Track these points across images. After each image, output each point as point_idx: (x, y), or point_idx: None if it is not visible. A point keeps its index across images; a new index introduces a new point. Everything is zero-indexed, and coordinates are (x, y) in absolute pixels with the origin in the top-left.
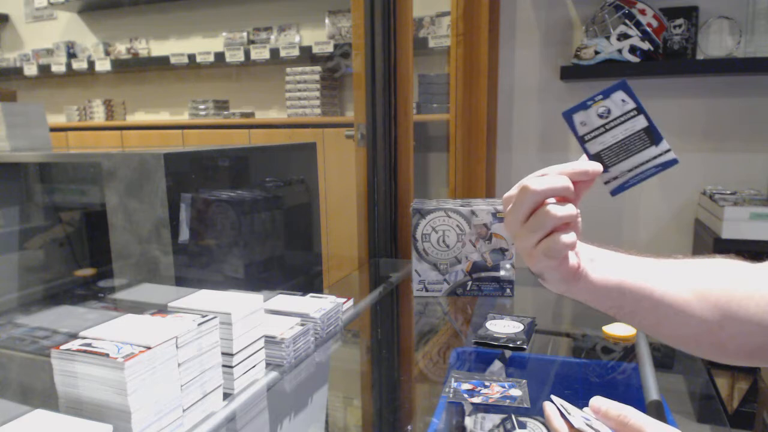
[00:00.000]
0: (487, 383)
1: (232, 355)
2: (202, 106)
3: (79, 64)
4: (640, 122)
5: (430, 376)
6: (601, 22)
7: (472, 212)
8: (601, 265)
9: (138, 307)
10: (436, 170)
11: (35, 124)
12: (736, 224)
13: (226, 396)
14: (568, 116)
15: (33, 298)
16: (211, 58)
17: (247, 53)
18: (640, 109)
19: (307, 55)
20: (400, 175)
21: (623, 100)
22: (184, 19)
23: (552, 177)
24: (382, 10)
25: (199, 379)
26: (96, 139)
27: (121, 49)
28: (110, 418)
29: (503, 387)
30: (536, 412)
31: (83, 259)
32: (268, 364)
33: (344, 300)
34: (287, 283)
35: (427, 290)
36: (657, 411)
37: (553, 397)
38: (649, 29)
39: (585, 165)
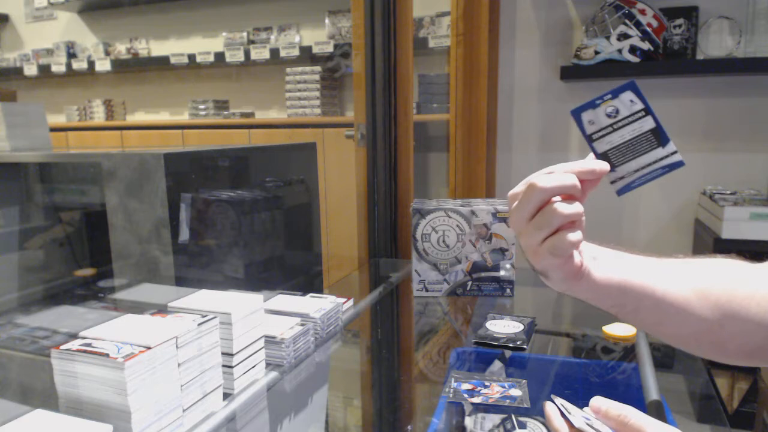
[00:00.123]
0: (487, 383)
1: (232, 355)
2: (202, 106)
3: (79, 64)
4: (648, 123)
5: (430, 376)
6: (601, 22)
7: (472, 212)
8: (603, 263)
9: (138, 307)
10: (436, 170)
11: (35, 124)
12: (736, 224)
13: (226, 396)
14: (576, 115)
15: (33, 298)
16: (211, 58)
17: (247, 53)
18: (648, 110)
19: (307, 55)
20: (400, 175)
21: (632, 101)
22: (184, 19)
23: (560, 175)
24: (382, 10)
25: (199, 379)
26: (96, 139)
27: (121, 49)
28: (110, 418)
29: (503, 387)
30: (536, 412)
31: (83, 259)
32: (268, 364)
33: (344, 300)
34: (287, 283)
35: (427, 290)
36: (657, 411)
37: (553, 396)
38: (649, 29)
39: (592, 164)
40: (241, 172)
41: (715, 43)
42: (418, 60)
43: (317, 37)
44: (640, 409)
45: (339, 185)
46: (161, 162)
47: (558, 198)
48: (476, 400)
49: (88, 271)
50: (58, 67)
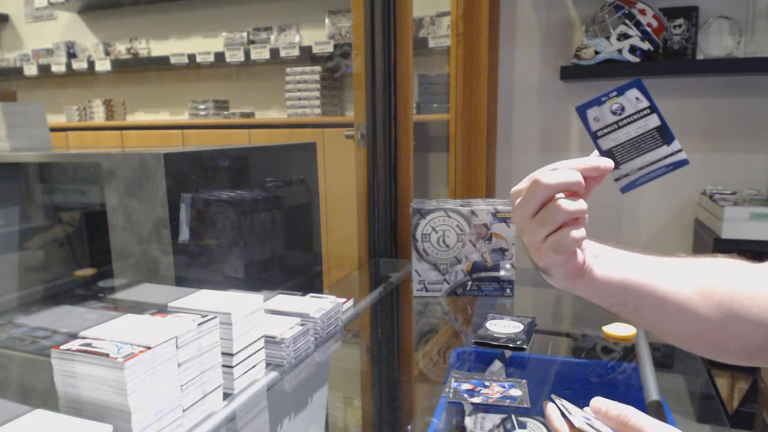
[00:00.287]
0: (487, 383)
1: (232, 355)
2: (202, 106)
3: (79, 64)
4: (653, 121)
5: (430, 376)
6: (601, 22)
7: (472, 212)
8: (605, 261)
9: (138, 307)
10: (436, 170)
11: (35, 124)
12: (736, 224)
13: (226, 396)
14: (582, 111)
15: (33, 298)
16: (211, 58)
17: (247, 53)
18: (653, 108)
19: (307, 55)
20: (400, 175)
21: (637, 98)
22: (184, 19)
23: (564, 171)
24: (382, 10)
25: (199, 379)
26: (96, 139)
27: (121, 49)
28: (110, 418)
29: (503, 387)
30: (536, 412)
31: (83, 259)
32: (268, 364)
33: (344, 300)
34: (287, 283)
35: (427, 290)
36: (657, 411)
37: (553, 396)
38: (649, 29)
39: (597, 160)
40: (241, 172)
41: (715, 43)
42: (418, 60)
43: (317, 37)
44: (640, 409)
45: (339, 185)
46: (161, 162)
47: (561, 195)
48: (476, 400)
49: (88, 271)
50: (58, 67)
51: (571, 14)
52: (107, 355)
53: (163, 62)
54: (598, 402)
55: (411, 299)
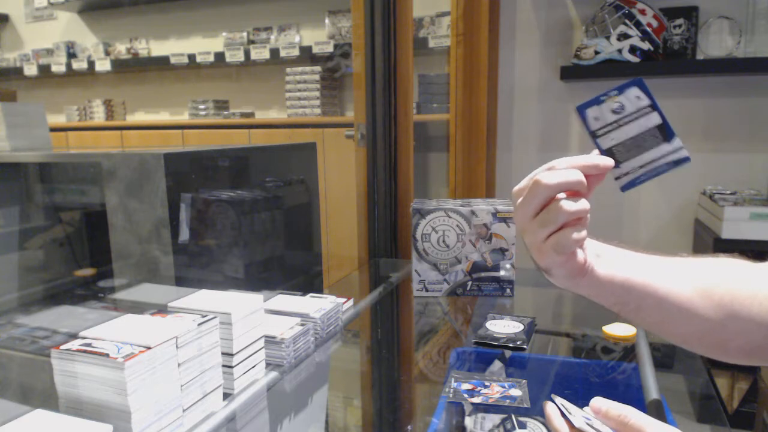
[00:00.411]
0: (487, 383)
1: (232, 355)
2: (202, 106)
3: (79, 64)
4: (654, 119)
5: (430, 376)
6: (601, 22)
7: (472, 212)
8: (606, 261)
9: (138, 307)
10: (436, 170)
11: (35, 124)
12: (736, 224)
13: (226, 396)
14: (582, 111)
15: (33, 298)
16: (211, 58)
17: (247, 53)
18: (654, 106)
19: (307, 55)
20: (400, 175)
21: (638, 97)
22: (184, 19)
23: (565, 171)
24: (382, 10)
25: (199, 379)
26: (96, 139)
27: (121, 49)
28: (110, 418)
29: (503, 387)
30: (536, 412)
31: (83, 259)
32: (268, 364)
33: (344, 300)
34: (287, 283)
35: (427, 290)
36: (657, 410)
37: (553, 396)
38: (649, 29)
39: (596, 158)
40: (241, 172)
41: (715, 43)
42: (418, 60)
43: (317, 37)
44: (640, 409)
45: (339, 185)
46: (161, 162)
47: (563, 195)
48: (476, 400)
49: (88, 271)
50: (58, 67)
51: (571, 14)
52: (107, 355)
53: (163, 62)
54: (598, 402)
55: (411, 299)
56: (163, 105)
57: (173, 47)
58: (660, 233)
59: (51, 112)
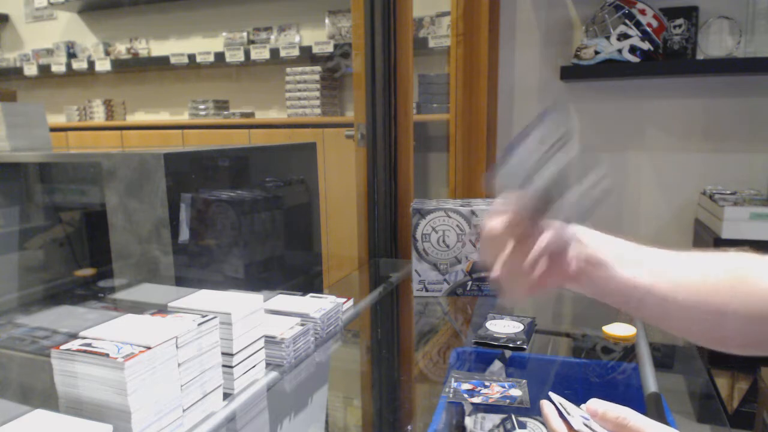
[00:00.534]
0: (487, 383)
1: (232, 355)
2: (202, 106)
3: (79, 64)
4: (575, 147)
5: (430, 376)
6: (601, 22)
7: (472, 212)
8: (604, 267)
9: (138, 307)
10: (436, 170)
11: (35, 124)
12: (736, 224)
13: (226, 396)
14: (510, 152)
15: (33, 298)
16: (211, 58)
17: (247, 53)
18: (570, 134)
19: (307, 55)
20: (400, 175)
21: (557, 125)
22: (184, 19)
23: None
24: (382, 10)
25: (199, 379)
26: (96, 139)
27: (121, 49)
28: (110, 418)
29: (503, 387)
30: (536, 412)
31: (83, 259)
32: (268, 364)
33: (344, 300)
34: (287, 283)
35: (427, 290)
36: (656, 404)
37: (551, 394)
38: (649, 29)
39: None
40: (241, 172)
41: (715, 43)
42: (418, 60)
43: (317, 37)
44: (640, 409)
45: (339, 185)
46: (161, 162)
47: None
48: (476, 400)
49: (88, 271)
50: (58, 67)
51: (571, 14)
52: (107, 355)
53: (163, 62)
54: (594, 404)
55: (411, 299)
56: (163, 105)
57: (173, 47)
58: (660, 233)
59: (51, 112)
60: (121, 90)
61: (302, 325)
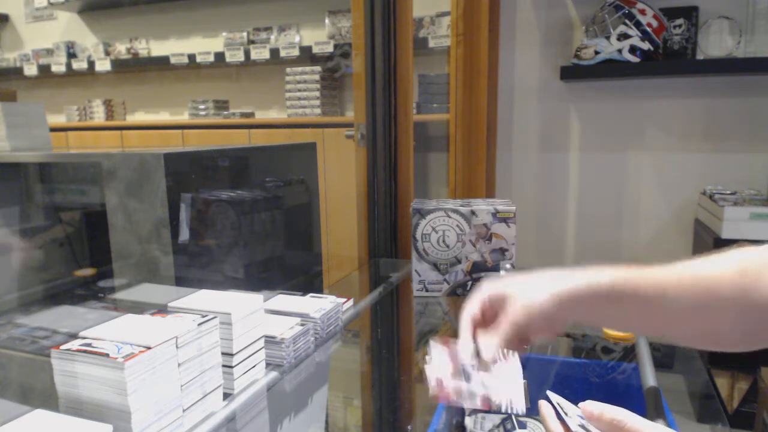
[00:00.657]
0: None
1: (232, 355)
2: (202, 106)
3: (79, 64)
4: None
5: None
6: (601, 22)
7: (472, 212)
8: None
9: (138, 307)
10: (436, 170)
11: (35, 124)
12: (736, 224)
13: (226, 396)
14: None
15: (33, 298)
16: (211, 58)
17: (247, 53)
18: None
19: (307, 55)
20: (400, 175)
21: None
22: (184, 19)
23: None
24: (382, 10)
25: (199, 379)
26: (96, 139)
27: (121, 49)
28: (110, 418)
29: None
30: (536, 412)
31: (83, 259)
32: (268, 364)
33: (344, 300)
34: (287, 283)
35: (427, 290)
36: (655, 398)
37: (549, 393)
38: (649, 29)
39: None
40: (241, 172)
41: (715, 43)
42: (418, 60)
43: (317, 37)
44: (640, 408)
45: (339, 185)
46: (161, 162)
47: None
48: None
49: (88, 271)
50: (58, 67)
51: (571, 14)
52: (107, 355)
53: (163, 62)
54: (590, 405)
55: (411, 299)
56: (163, 105)
57: (173, 47)
58: (660, 233)
59: (51, 112)
60: (121, 90)
61: (302, 325)
